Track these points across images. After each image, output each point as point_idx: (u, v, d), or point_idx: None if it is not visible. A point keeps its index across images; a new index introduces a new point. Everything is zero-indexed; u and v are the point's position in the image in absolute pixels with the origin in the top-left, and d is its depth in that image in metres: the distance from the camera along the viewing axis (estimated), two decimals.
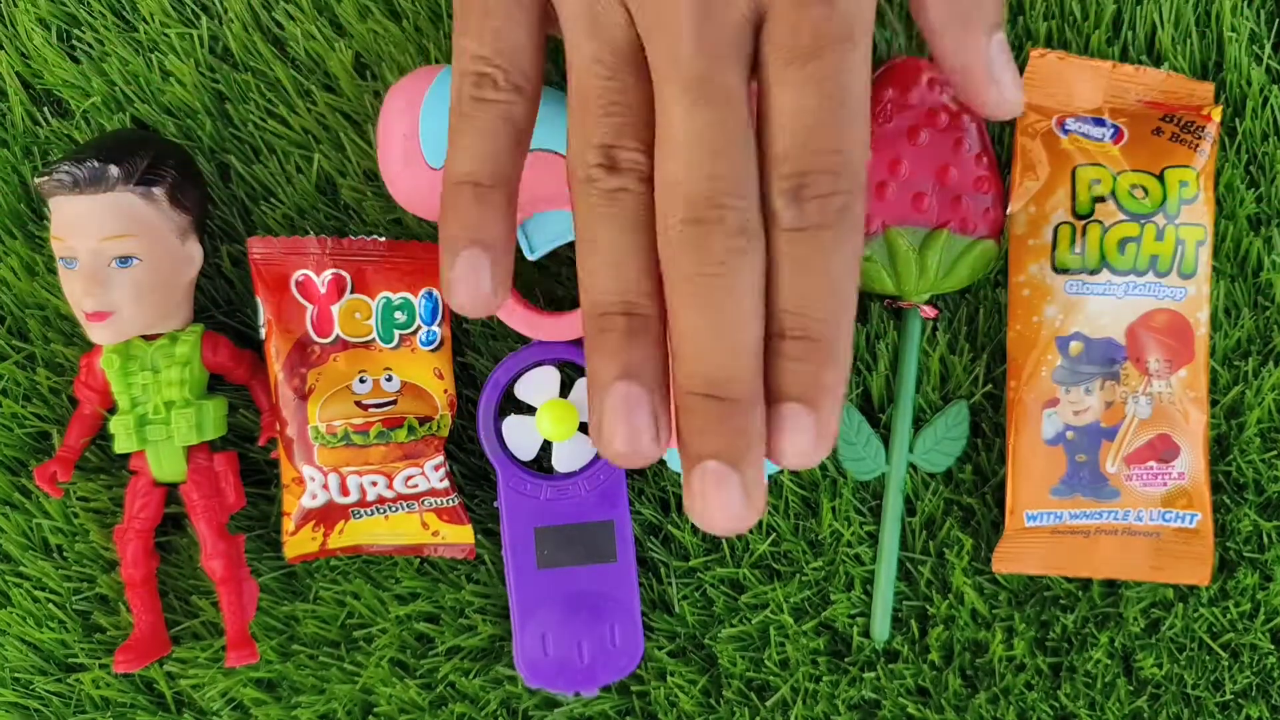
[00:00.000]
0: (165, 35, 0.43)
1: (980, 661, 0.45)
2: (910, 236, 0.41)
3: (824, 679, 0.45)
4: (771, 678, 0.45)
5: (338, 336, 0.42)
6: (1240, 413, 0.44)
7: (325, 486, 0.42)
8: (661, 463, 0.44)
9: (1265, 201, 0.44)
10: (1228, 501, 0.44)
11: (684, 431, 0.29)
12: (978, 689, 0.45)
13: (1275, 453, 0.44)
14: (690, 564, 0.45)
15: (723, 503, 0.28)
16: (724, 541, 0.45)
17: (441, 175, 0.37)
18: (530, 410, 0.43)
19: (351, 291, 0.42)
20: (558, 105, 0.38)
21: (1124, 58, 0.43)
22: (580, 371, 0.43)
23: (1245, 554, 0.44)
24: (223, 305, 0.44)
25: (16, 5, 0.43)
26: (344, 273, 0.42)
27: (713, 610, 0.45)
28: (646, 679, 0.45)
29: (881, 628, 0.44)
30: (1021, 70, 0.43)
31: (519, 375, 0.43)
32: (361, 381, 0.42)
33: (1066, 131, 0.42)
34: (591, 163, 0.30)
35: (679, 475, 0.44)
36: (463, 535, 0.43)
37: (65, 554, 0.44)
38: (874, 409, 0.44)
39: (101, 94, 0.43)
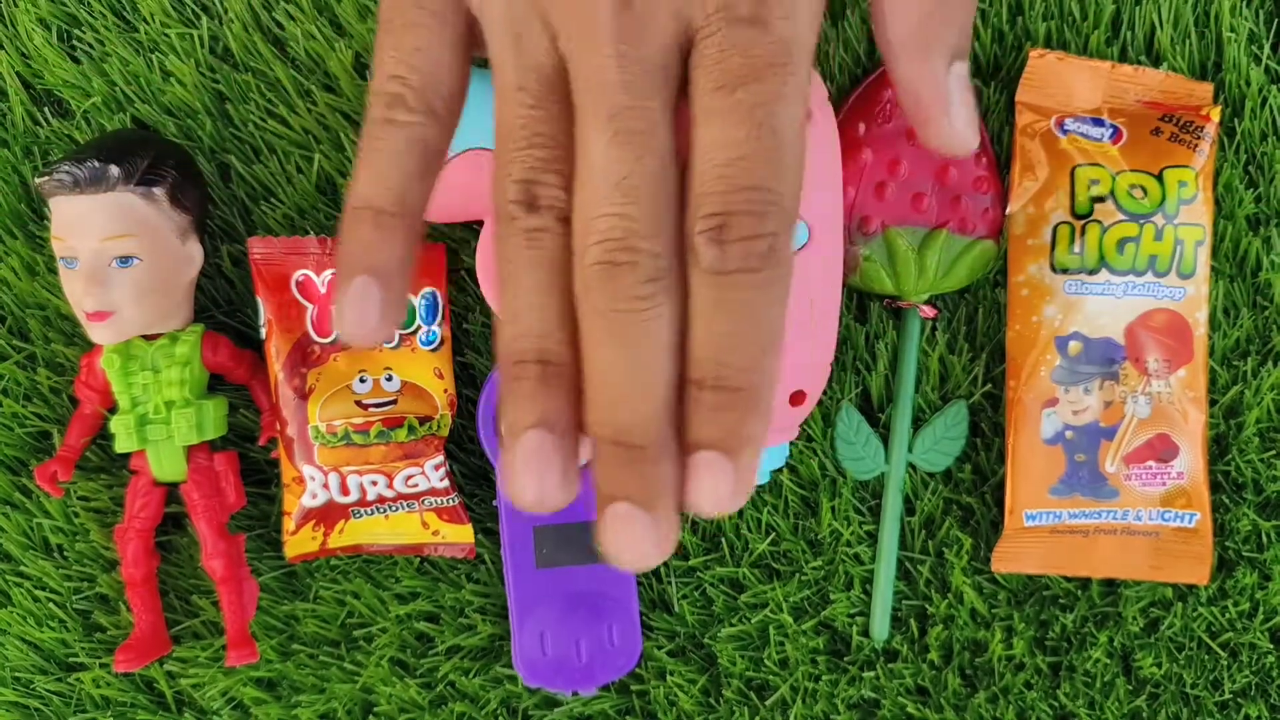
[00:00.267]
0: (165, 35, 0.43)
1: (979, 661, 0.45)
2: (909, 236, 0.42)
3: (823, 678, 0.45)
4: (771, 677, 0.45)
5: (338, 336, 0.42)
6: (1239, 412, 0.44)
7: (325, 486, 0.42)
8: None
9: (1264, 201, 0.44)
10: (1226, 501, 0.44)
11: (595, 473, 0.28)
12: (977, 688, 0.45)
13: (1274, 452, 0.44)
14: (690, 563, 0.45)
15: (631, 543, 0.27)
16: (723, 541, 0.45)
17: (439, 175, 0.37)
18: None
19: None
20: None
21: (1123, 58, 0.44)
22: None
23: (1244, 553, 0.44)
24: (223, 305, 0.44)
25: (17, 5, 0.43)
26: None
27: (712, 610, 0.45)
28: (646, 678, 0.45)
29: (881, 627, 0.44)
30: (1021, 70, 0.43)
31: None
32: (362, 381, 0.42)
33: (1065, 131, 0.42)
34: (511, 199, 0.29)
35: None
36: (463, 535, 0.43)
37: (65, 553, 0.44)
38: (873, 409, 0.44)
39: (102, 94, 0.43)
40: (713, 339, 0.28)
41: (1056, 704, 0.45)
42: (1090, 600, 0.45)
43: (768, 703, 0.45)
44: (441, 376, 0.43)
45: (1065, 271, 0.42)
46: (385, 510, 0.43)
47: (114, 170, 0.39)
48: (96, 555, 0.44)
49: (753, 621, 0.45)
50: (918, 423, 0.44)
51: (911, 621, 0.45)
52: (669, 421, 0.28)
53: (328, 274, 0.42)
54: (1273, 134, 0.43)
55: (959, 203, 0.42)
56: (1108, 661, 0.45)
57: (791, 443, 0.44)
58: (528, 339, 0.29)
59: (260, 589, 0.44)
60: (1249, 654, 0.44)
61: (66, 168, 0.39)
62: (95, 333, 0.40)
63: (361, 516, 0.43)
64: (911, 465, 0.44)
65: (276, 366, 0.42)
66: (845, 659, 0.45)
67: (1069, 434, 0.43)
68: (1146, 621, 0.45)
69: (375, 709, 0.45)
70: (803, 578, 0.45)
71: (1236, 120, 0.43)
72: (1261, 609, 0.44)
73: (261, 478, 0.45)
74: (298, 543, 0.43)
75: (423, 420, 0.42)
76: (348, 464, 0.42)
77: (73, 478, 0.43)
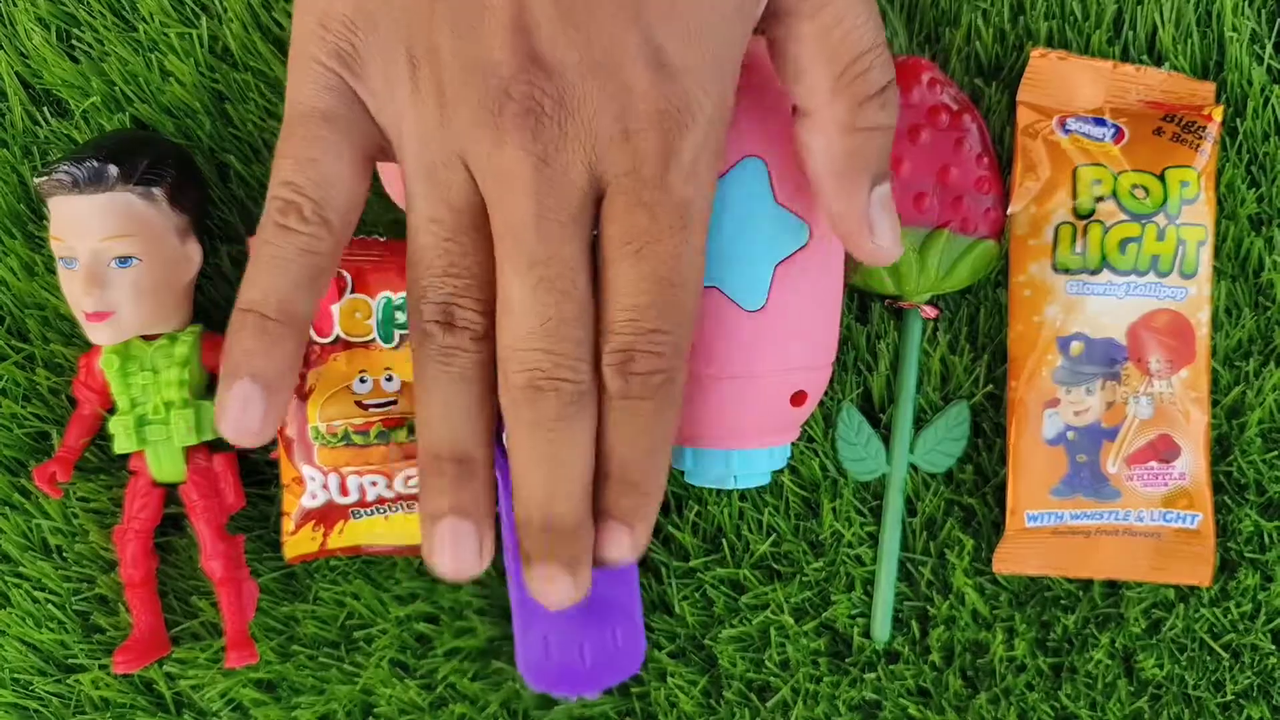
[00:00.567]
0: (165, 35, 0.43)
1: (981, 662, 0.45)
2: (911, 236, 0.41)
3: (825, 680, 0.45)
4: (772, 678, 0.45)
5: (338, 336, 0.42)
6: (1241, 413, 0.44)
7: (325, 486, 0.42)
8: None
9: (1266, 201, 0.43)
10: (1229, 502, 0.44)
11: (523, 544, 0.33)
12: (978, 689, 0.45)
13: (1276, 453, 0.44)
14: (690, 564, 0.45)
15: (557, 592, 0.33)
16: (724, 542, 0.45)
17: None
18: None
19: (352, 291, 0.42)
20: None
21: (1125, 57, 0.43)
22: None
23: (1246, 554, 0.44)
24: (223, 305, 0.44)
25: (16, 5, 0.43)
26: (344, 272, 0.42)
27: (713, 611, 0.45)
28: (646, 680, 0.45)
29: (882, 628, 0.44)
30: (1022, 70, 0.43)
31: None
32: (362, 381, 0.42)
33: (1067, 131, 0.42)
34: (427, 318, 0.32)
35: (680, 475, 0.44)
36: None
37: (65, 554, 0.44)
38: (874, 409, 0.44)
39: (101, 94, 0.43)
40: (617, 449, 0.33)
41: (1058, 705, 0.45)
42: (1092, 601, 0.44)
43: (769, 704, 0.45)
44: None
45: (1067, 271, 0.42)
46: (385, 511, 0.43)
47: (113, 170, 0.39)
48: (96, 556, 0.44)
49: (754, 623, 0.45)
50: (919, 423, 0.44)
51: (913, 623, 0.45)
52: (586, 507, 0.33)
53: None
54: (1275, 134, 0.43)
55: (961, 203, 0.42)
56: (1109, 663, 0.44)
57: (793, 443, 0.44)
58: (443, 442, 0.33)
59: (260, 590, 0.44)
60: (1251, 655, 0.44)
61: (65, 168, 0.39)
62: (94, 333, 0.40)
63: (361, 517, 0.43)
64: (913, 466, 0.44)
65: None
66: (846, 660, 0.45)
67: (1070, 434, 0.43)
68: (1148, 623, 0.44)
69: (375, 710, 0.45)
70: (804, 579, 0.45)
71: (1239, 120, 0.43)
72: (1264, 610, 0.44)
73: (261, 479, 0.44)
74: (296, 543, 0.43)
75: None
76: (347, 464, 0.42)
77: (72, 479, 0.43)
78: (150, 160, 0.40)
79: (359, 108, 0.33)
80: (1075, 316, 0.42)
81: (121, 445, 0.41)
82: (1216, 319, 0.44)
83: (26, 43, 0.43)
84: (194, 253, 0.41)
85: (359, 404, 0.42)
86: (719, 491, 0.44)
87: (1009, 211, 0.43)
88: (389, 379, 0.42)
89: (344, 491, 0.42)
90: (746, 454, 0.39)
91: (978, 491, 0.45)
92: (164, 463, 0.41)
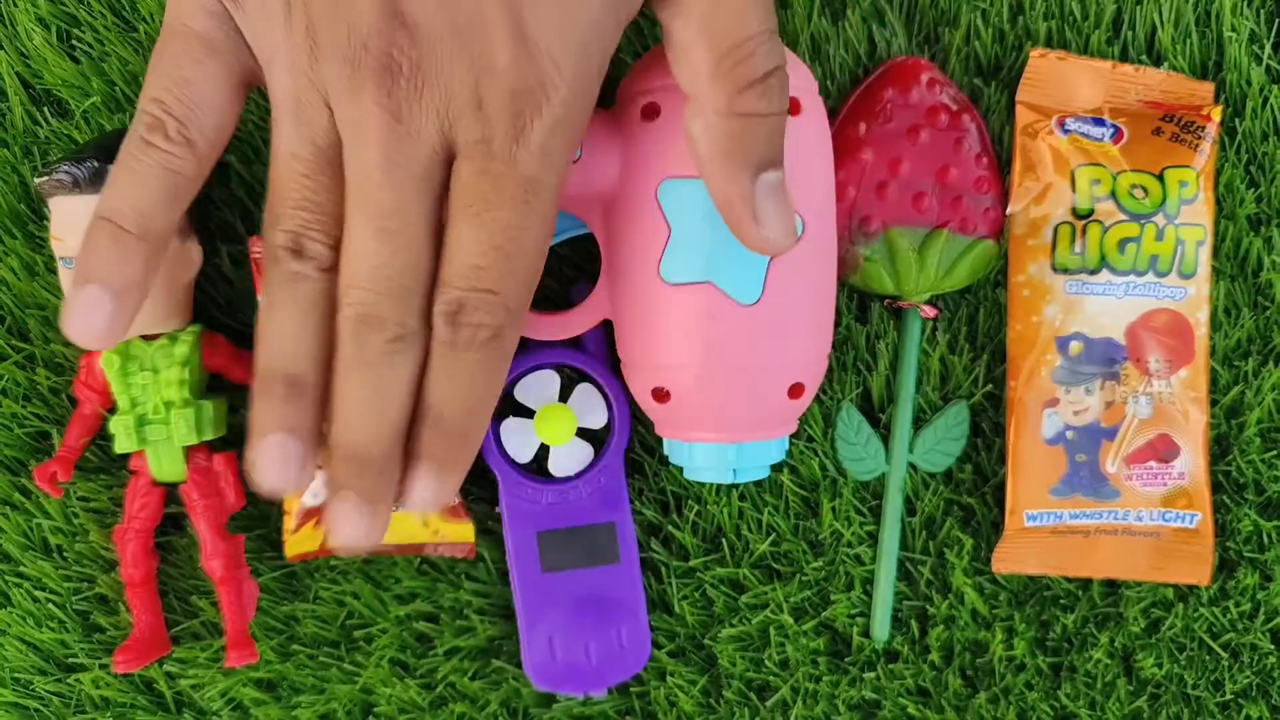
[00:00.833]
0: None
1: (980, 661, 0.45)
2: (910, 236, 0.41)
3: (824, 679, 0.45)
4: (771, 678, 0.45)
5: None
6: (1240, 413, 0.44)
7: (325, 485, 0.42)
8: (662, 462, 0.44)
9: (1265, 201, 0.44)
10: (1228, 501, 0.44)
11: (331, 472, 0.34)
12: (978, 689, 0.45)
13: (1275, 453, 0.44)
14: (690, 564, 0.45)
15: (351, 527, 0.33)
16: (724, 541, 0.45)
17: None
18: (528, 413, 0.43)
19: None
20: None
21: (1124, 58, 0.43)
22: (579, 376, 0.43)
23: (1245, 554, 0.44)
24: (223, 305, 0.44)
25: (16, 5, 0.43)
26: None
27: (713, 610, 0.45)
28: (646, 679, 0.45)
29: (881, 628, 0.44)
30: (1022, 70, 0.43)
31: (519, 378, 0.43)
32: None
33: (1066, 131, 0.42)
34: (278, 244, 0.33)
35: (679, 474, 0.44)
36: (463, 533, 0.43)
37: (65, 554, 0.44)
38: (874, 409, 0.44)
39: (101, 94, 0.43)
40: (438, 394, 0.34)
41: (1057, 704, 0.45)
42: (1091, 601, 0.44)
43: (768, 704, 0.45)
44: None
45: (1066, 271, 0.42)
46: None
47: None
48: (96, 556, 0.44)
49: (753, 622, 0.45)
50: (918, 423, 0.44)
51: (912, 622, 0.45)
52: (395, 446, 0.34)
53: None
54: (1274, 134, 0.43)
55: (960, 203, 0.42)
56: (1109, 662, 0.45)
57: (792, 442, 0.44)
58: (279, 360, 0.34)
59: (260, 589, 0.44)
60: (1250, 655, 0.44)
61: (66, 167, 0.39)
62: None
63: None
64: (912, 465, 0.44)
65: None
66: (846, 660, 0.45)
67: (1070, 434, 0.43)
68: (1147, 622, 0.44)
69: (375, 710, 0.45)
70: (803, 578, 0.45)
71: (1237, 120, 0.43)
72: (1263, 610, 0.44)
73: None
74: (298, 541, 0.43)
75: None
76: None
77: (72, 478, 0.43)
78: None
79: (235, 34, 0.34)
80: (1074, 316, 0.42)
81: (122, 445, 0.41)
82: (1215, 319, 0.44)
83: (27, 43, 0.43)
84: (194, 252, 0.41)
85: None
86: (718, 491, 0.44)
87: (1008, 211, 0.43)
88: None
89: None
90: (745, 447, 0.39)
91: (977, 491, 0.45)
92: (164, 462, 0.41)
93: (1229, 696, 0.44)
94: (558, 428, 0.42)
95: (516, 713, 0.45)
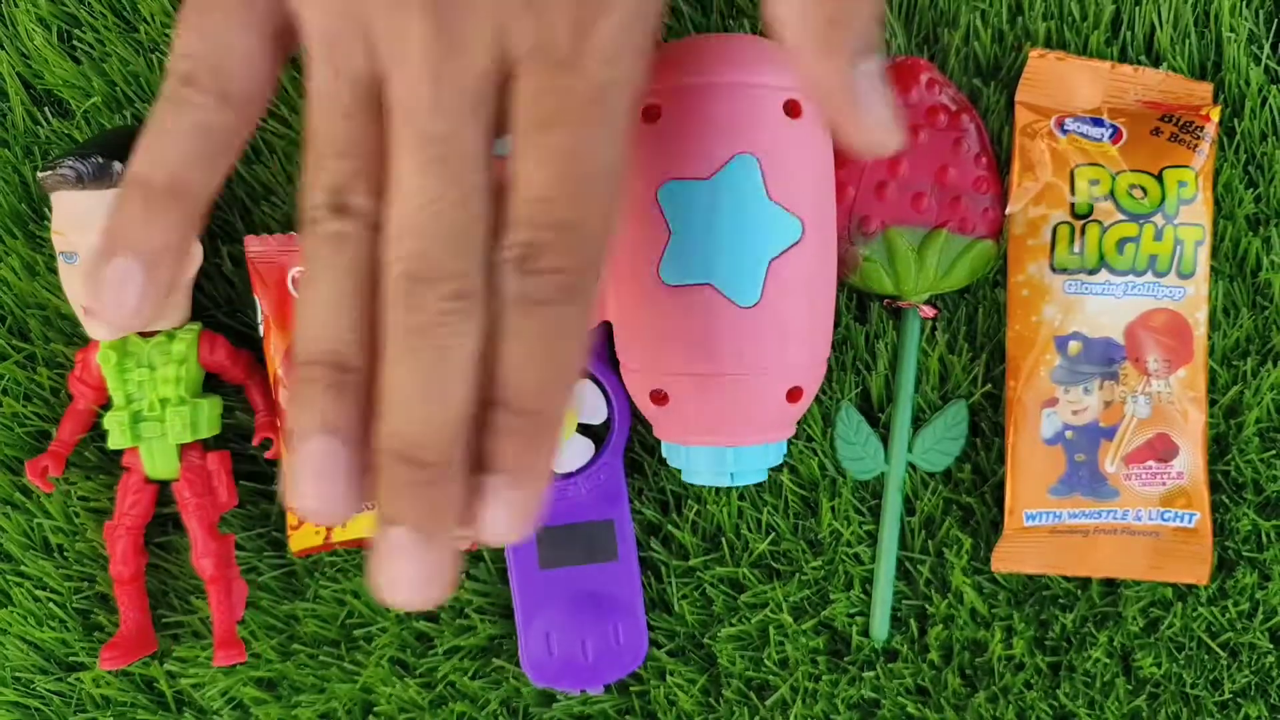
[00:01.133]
0: (166, 35, 0.43)
1: (979, 661, 0.45)
2: (909, 236, 0.42)
3: (823, 678, 0.45)
4: (771, 677, 0.45)
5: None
6: (1239, 412, 0.44)
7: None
8: (662, 462, 0.44)
9: (1264, 201, 0.44)
10: (1226, 501, 0.44)
11: (379, 491, 0.28)
12: (977, 688, 0.45)
13: (1274, 452, 0.44)
14: (690, 563, 0.45)
15: (407, 574, 0.27)
16: (723, 541, 0.45)
17: None
18: None
19: None
20: None
21: (1123, 58, 0.44)
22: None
23: (1244, 553, 0.44)
24: (223, 305, 0.44)
25: (17, 5, 0.43)
26: None
27: (712, 610, 0.45)
28: (646, 678, 0.45)
29: (881, 627, 0.44)
30: (1021, 70, 0.43)
31: None
32: None
33: (1065, 131, 0.42)
34: (319, 203, 0.29)
35: (678, 474, 0.44)
36: None
37: (66, 553, 0.44)
38: (873, 409, 0.44)
39: (102, 94, 0.43)
40: (509, 364, 0.28)
41: (1056, 704, 0.45)
42: (1090, 600, 0.45)
43: (768, 703, 0.45)
44: None
45: (1065, 271, 0.42)
46: None
47: (117, 166, 0.39)
48: (96, 555, 0.44)
49: (753, 621, 0.45)
50: (917, 422, 0.44)
51: (911, 621, 0.45)
52: (460, 443, 0.27)
53: None
54: (1273, 134, 0.43)
55: (959, 203, 0.42)
56: (1107, 661, 0.45)
57: (792, 442, 0.44)
58: (320, 342, 0.28)
59: (260, 588, 0.44)
60: (1249, 654, 0.44)
61: (70, 163, 0.39)
62: (93, 328, 0.40)
63: (364, 510, 0.43)
64: (911, 465, 0.44)
65: (276, 363, 0.42)
66: (845, 659, 0.45)
67: (1069, 434, 0.43)
68: (1146, 621, 0.44)
69: (375, 709, 0.45)
70: (803, 578, 0.45)
71: (1236, 120, 0.43)
72: (1261, 609, 0.44)
73: (262, 477, 0.45)
74: (301, 537, 0.43)
75: None
76: None
77: (70, 477, 0.43)
78: None
79: None
80: (1073, 316, 0.42)
81: (116, 441, 0.41)
82: (1214, 319, 0.44)
83: (28, 43, 0.43)
84: (194, 250, 0.41)
85: None
86: (718, 490, 0.44)
87: (1007, 211, 0.43)
88: None
89: None
90: (743, 451, 0.39)
91: (976, 490, 0.45)
92: (157, 459, 0.41)
93: (1228, 696, 0.44)
94: None
95: (517, 712, 0.45)
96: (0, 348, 0.44)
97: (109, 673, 0.44)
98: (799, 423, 0.44)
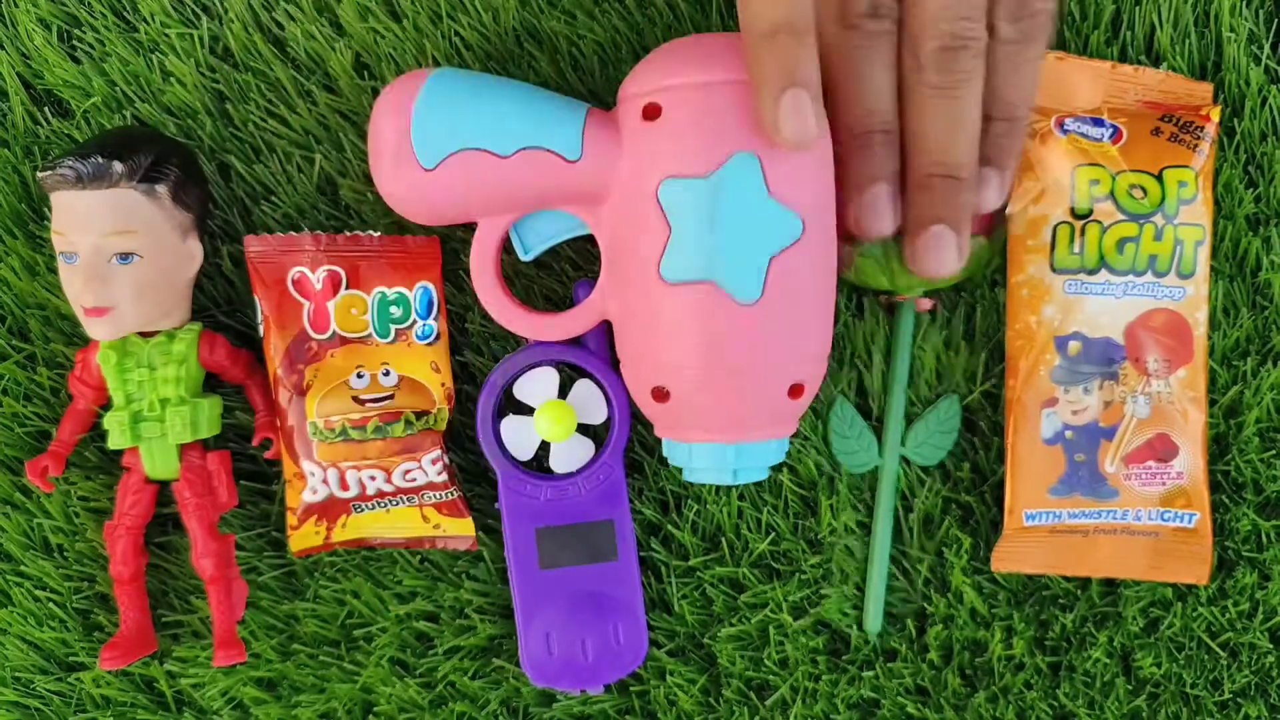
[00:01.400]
0: (166, 35, 0.43)
1: (979, 660, 0.45)
2: None
3: (823, 678, 0.45)
4: (771, 677, 0.45)
5: (334, 332, 0.42)
6: (1239, 412, 0.44)
7: (325, 481, 0.42)
8: (662, 462, 0.44)
9: (1264, 201, 0.44)
10: (1226, 501, 0.44)
11: (919, 205, 0.38)
12: (977, 688, 0.45)
13: (1274, 452, 0.44)
14: (690, 563, 0.45)
15: (950, 256, 0.38)
16: (723, 541, 0.45)
17: (431, 176, 0.37)
18: (528, 410, 0.43)
19: (346, 287, 0.42)
20: (549, 105, 0.38)
21: (1123, 58, 0.44)
22: (578, 372, 0.43)
23: (1244, 553, 0.44)
24: (223, 305, 0.44)
25: (17, 5, 0.43)
26: (339, 269, 0.42)
27: (712, 610, 0.45)
28: (646, 678, 0.45)
29: (874, 619, 0.44)
30: None
31: (517, 376, 0.43)
32: (359, 376, 0.42)
33: (1066, 131, 0.42)
34: (863, 12, 0.37)
35: (679, 474, 0.44)
36: (463, 528, 0.43)
37: (66, 553, 0.44)
38: (869, 403, 0.44)
39: (102, 94, 0.43)
40: (1006, 90, 0.38)
41: (1056, 704, 0.45)
42: (1090, 600, 0.44)
43: (767, 702, 0.45)
44: (438, 370, 0.43)
45: (1065, 271, 0.42)
46: (386, 505, 0.43)
47: (117, 166, 0.39)
48: (96, 555, 0.44)
49: (752, 621, 0.45)
50: (911, 417, 0.44)
51: (911, 621, 0.45)
52: (977, 160, 0.38)
53: (322, 271, 0.42)
54: (1272, 134, 0.43)
55: None
56: (1107, 661, 0.45)
57: (790, 440, 0.44)
58: (875, 116, 0.38)
59: (260, 588, 0.44)
60: (1249, 654, 0.44)
61: (70, 163, 0.39)
62: (93, 328, 0.40)
63: (363, 511, 0.43)
64: (905, 459, 0.44)
65: (275, 363, 0.42)
66: (845, 659, 0.45)
67: (1068, 434, 0.43)
68: (1146, 621, 0.44)
69: (375, 709, 0.45)
70: (802, 577, 0.45)
71: (1236, 120, 0.43)
72: (1261, 609, 0.44)
73: (262, 477, 0.45)
74: (301, 537, 0.43)
75: (419, 414, 0.43)
76: (345, 459, 0.42)
77: (70, 476, 0.43)
78: (154, 157, 0.40)
79: None
80: (1073, 316, 0.42)
81: (116, 441, 0.41)
82: (1214, 318, 0.44)
83: (28, 43, 0.43)
84: (195, 251, 0.41)
85: (356, 399, 0.42)
86: (718, 491, 0.44)
87: (1007, 211, 0.43)
88: (386, 374, 0.42)
89: (344, 486, 0.42)
90: (745, 448, 0.39)
91: (976, 490, 0.45)
92: (157, 459, 0.41)
93: (1227, 695, 0.44)
94: (559, 424, 0.42)
95: (517, 712, 0.45)
96: (0, 348, 0.44)
97: (109, 673, 0.44)
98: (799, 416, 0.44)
